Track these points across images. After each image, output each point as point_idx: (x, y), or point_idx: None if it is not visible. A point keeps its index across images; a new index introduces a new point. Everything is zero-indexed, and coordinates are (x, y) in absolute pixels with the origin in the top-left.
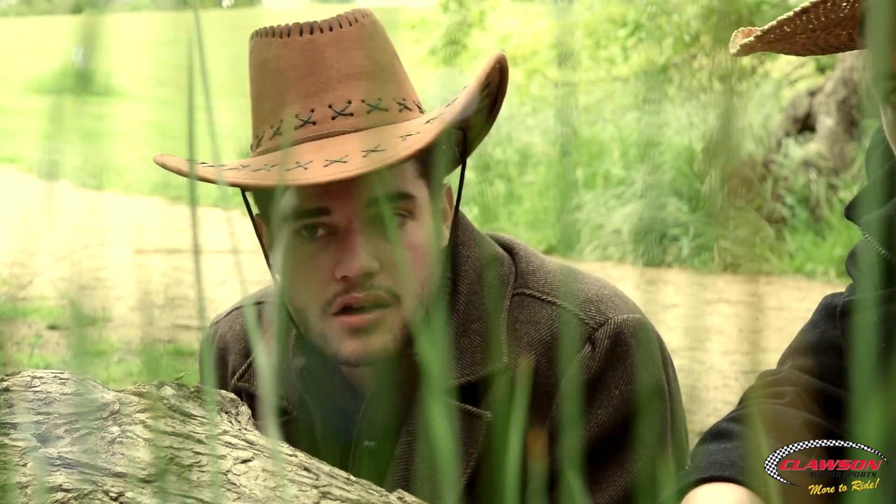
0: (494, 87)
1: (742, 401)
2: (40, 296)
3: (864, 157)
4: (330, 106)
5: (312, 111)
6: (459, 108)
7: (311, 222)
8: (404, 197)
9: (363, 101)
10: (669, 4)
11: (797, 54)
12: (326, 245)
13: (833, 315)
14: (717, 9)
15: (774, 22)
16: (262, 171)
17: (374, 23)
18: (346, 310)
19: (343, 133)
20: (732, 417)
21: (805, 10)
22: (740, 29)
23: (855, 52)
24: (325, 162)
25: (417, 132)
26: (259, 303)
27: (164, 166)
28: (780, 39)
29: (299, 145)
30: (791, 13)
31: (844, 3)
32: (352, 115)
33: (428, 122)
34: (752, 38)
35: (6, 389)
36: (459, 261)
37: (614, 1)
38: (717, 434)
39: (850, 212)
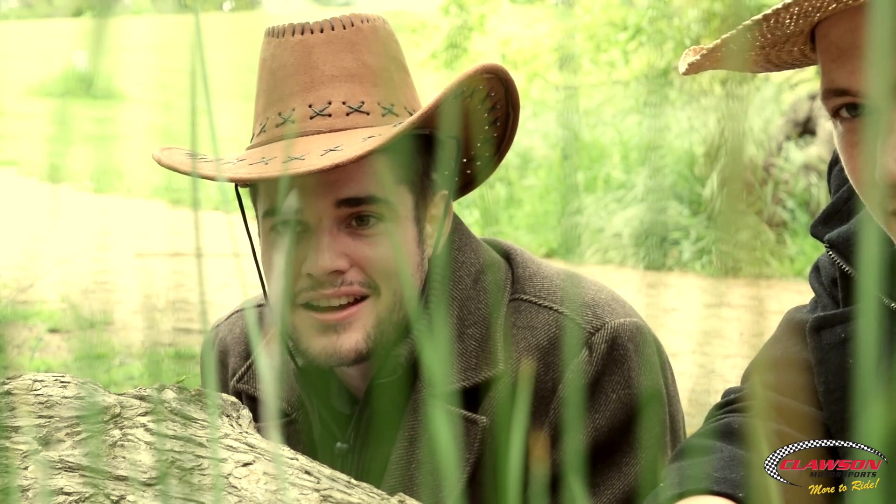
0: (502, 110)
1: (708, 419)
2: (41, 299)
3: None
4: (310, 106)
5: (293, 110)
6: (422, 112)
7: (283, 219)
8: (375, 200)
9: (344, 103)
10: (670, 8)
11: (750, 71)
12: (298, 241)
13: (796, 330)
14: (717, 12)
15: (719, 40)
16: (230, 165)
17: (375, 28)
18: (312, 306)
19: (318, 133)
20: (701, 433)
21: (748, 28)
22: (691, 48)
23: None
24: (287, 158)
25: (379, 134)
26: (260, 305)
27: (159, 162)
28: (728, 57)
29: (275, 143)
30: (734, 31)
31: (788, 20)
32: (330, 115)
33: (395, 125)
34: (698, 57)
35: (8, 393)
36: (454, 266)
37: (615, 4)
38: (688, 450)
39: (816, 229)
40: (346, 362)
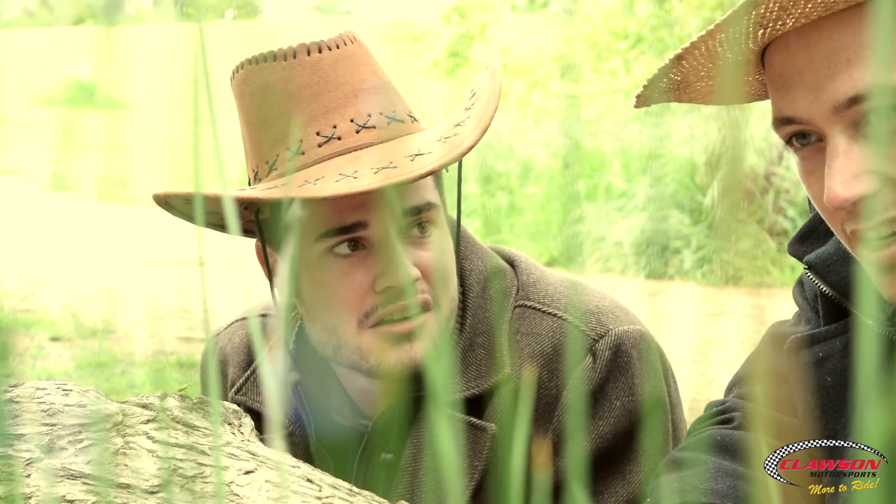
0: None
1: (691, 431)
2: (43, 307)
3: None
4: (352, 120)
5: (335, 127)
6: (479, 130)
7: (347, 238)
8: (430, 206)
9: (381, 114)
10: (671, 17)
11: (715, 104)
12: (362, 260)
13: (781, 343)
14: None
15: (657, 71)
16: (310, 186)
17: (365, 42)
18: (385, 321)
19: (370, 145)
20: (685, 447)
21: (680, 57)
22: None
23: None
24: (353, 176)
25: (429, 151)
26: (262, 315)
27: (246, 200)
28: (677, 89)
29: (329, 160)
30: (668, 61)
31: (720, 48)
32: (374, 127)
33: (440, 140)
34: (642, 89)
35: (11, 401)
36: (464, 274)
37: (616, 13)
38: (673, 464)
39: (794, 247)
40: (416, 370)
